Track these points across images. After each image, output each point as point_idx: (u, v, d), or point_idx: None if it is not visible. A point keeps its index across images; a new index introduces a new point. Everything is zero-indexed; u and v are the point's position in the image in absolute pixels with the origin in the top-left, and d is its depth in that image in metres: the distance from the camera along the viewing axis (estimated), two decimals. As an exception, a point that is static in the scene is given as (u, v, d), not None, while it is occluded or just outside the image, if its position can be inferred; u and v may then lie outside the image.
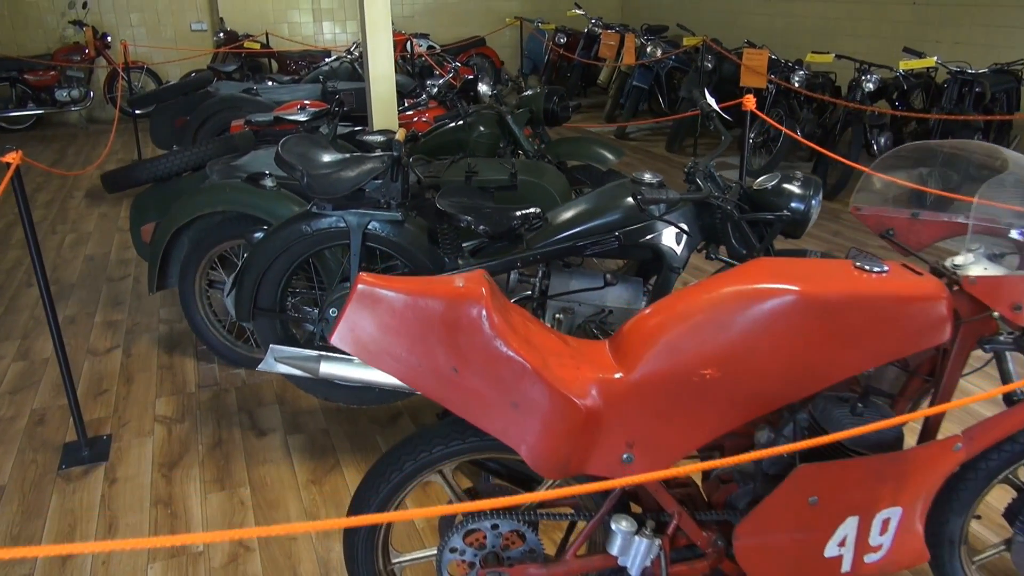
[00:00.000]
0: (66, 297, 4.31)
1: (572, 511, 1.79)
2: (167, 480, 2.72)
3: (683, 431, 1.62)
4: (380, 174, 2.67)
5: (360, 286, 1.54)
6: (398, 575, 1.89)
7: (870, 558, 1.70)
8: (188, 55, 9.73)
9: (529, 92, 4.35)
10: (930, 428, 1.81)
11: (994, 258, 1.71)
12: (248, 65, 8.87)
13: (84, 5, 9.21)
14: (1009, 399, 1.82)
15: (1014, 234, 1.71)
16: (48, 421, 3.10)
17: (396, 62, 5.75)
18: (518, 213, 2.62)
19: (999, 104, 5.71)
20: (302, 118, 4.09)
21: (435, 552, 1.80)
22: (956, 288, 1.68)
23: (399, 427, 3.00)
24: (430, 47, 9.02)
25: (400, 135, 3.05)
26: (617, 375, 1.60)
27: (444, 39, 10.62)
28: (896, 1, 7.23)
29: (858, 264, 1.65)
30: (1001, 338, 1.72)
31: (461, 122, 4.13)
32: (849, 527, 1.67)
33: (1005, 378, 1.83)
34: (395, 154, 2.66)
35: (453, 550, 1.74)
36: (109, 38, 9.02)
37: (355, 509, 1.75)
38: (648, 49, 7.81)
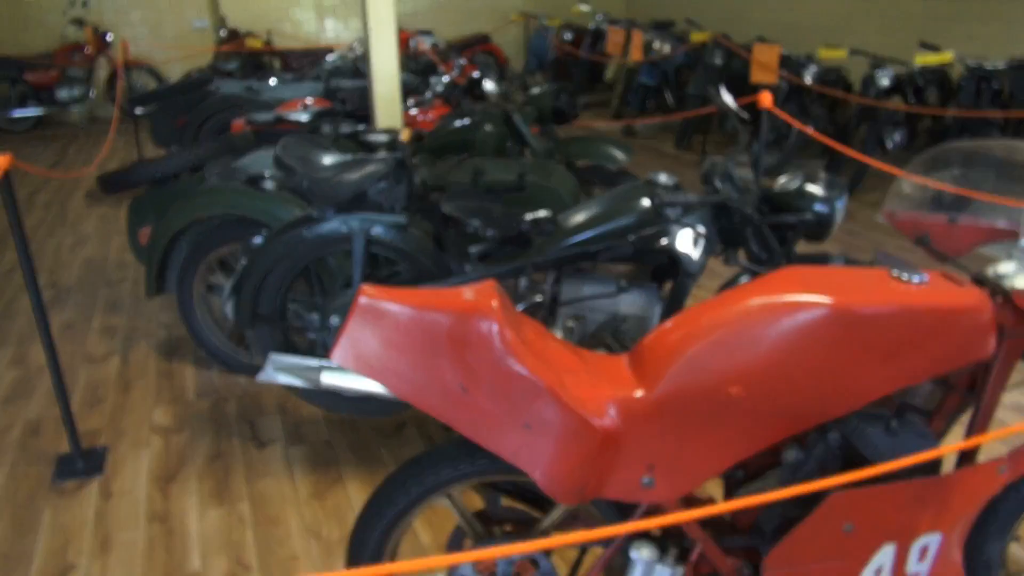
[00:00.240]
0: (64, 301, 4.22)
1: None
2: (164, 495, 2.62)
3: (708, 453, 1.52)
4: (384, 177, 2.56)
5: (362, 299, 1.44)
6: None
7: (907, 587, 1.60)
8: (189, 53, 9.64)
9: (537, 90, 4.23)
10: (970, 447, 1.70)
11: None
12: (250, 63, 8.77)
13: (84, 3, 9.12)
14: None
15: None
16: (43, 432, 3.01)
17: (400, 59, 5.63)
18: (528, 217, 2.51)
19: (1017, 100, 5.57)
20: (304, 117, 3.99)
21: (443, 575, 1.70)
22: (1000, 299, 1.57)
23: (404, 437, 2.90)
24: (434, 44, 8.91)
25: (405, 136, 2.94)
26: (637, 393, 1.50)
27: (448, 36, 10.51)
28: (909, -5, 7.10)
29: (895, 273, 1.54)
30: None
31: (467, 121, 4.02)
32: (886, 555, 1.56)
33: None
34: (399, 156, 2.55)
35: (462, 578, 1.64)
36: (110, 37, 8.93)
37: (358, 535, 1.65)
38: (656, 45, 7.68)
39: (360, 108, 5.14)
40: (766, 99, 3.26)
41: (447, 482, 1.60)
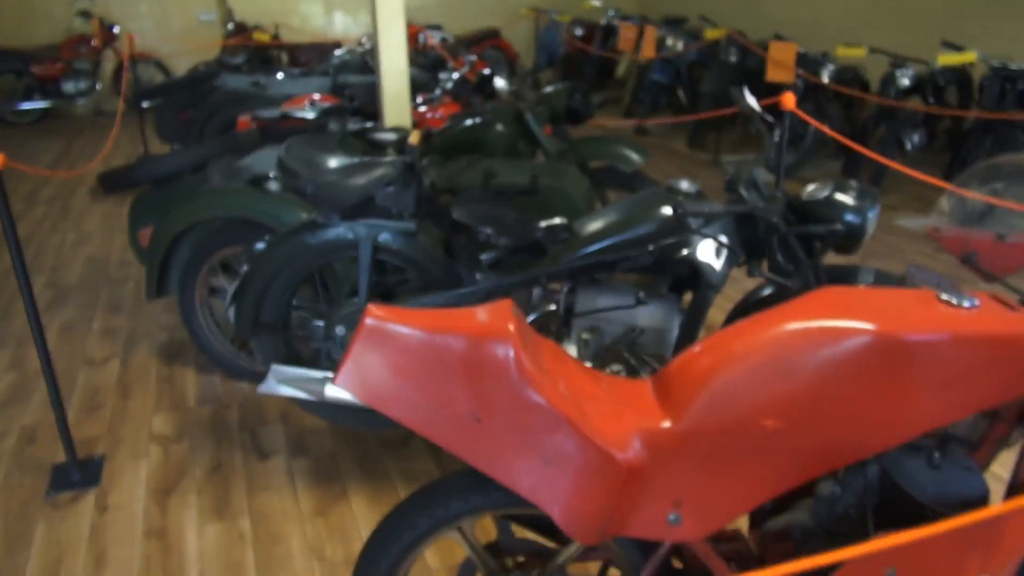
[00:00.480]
0: (64, 301, 4.13)
1: (604, 567, 1.59)
2: (161, 509, 2.53)
3: (738, 488, 1.41)
4: (392, 181, 2.45)
5: (368, 320, 1.33)
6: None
7: (952, 634, 1.49)
8: (196, 47, 9.54)
9: (550, 88, 4.11)
10: (1020, 481, 1.58)
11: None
12: (257, 57, 8.66)
13: (90, -7, 9.03)
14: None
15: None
16: (39, 439, 2.91)
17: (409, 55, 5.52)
18: (542, 224, 2.40)
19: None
20: (310, 115, 3.88)
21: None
22: (1055, 325, 1.46)
23: (411, 450, 2.80)
24: (443, 39, 8.79)
25: (414, 137, 2.82)
26: (664, 424, 1.39)
27: (457, 30, 10.38)
28: (929, -8, 6.94)
29: (944, 296, 1.42)
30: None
31: (478, 120, 3.91)
32: (929, 600, 1.45)
33: None
34: (408, 160, 2.45)
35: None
36: (116, 29, 8.83)
37: (363, 568, 1.55)
38: (668, 42, 7.53)
39: (368, 104, 5.03)
40: (789, 100, 3.13)
41: (457, 516, 1.50)
